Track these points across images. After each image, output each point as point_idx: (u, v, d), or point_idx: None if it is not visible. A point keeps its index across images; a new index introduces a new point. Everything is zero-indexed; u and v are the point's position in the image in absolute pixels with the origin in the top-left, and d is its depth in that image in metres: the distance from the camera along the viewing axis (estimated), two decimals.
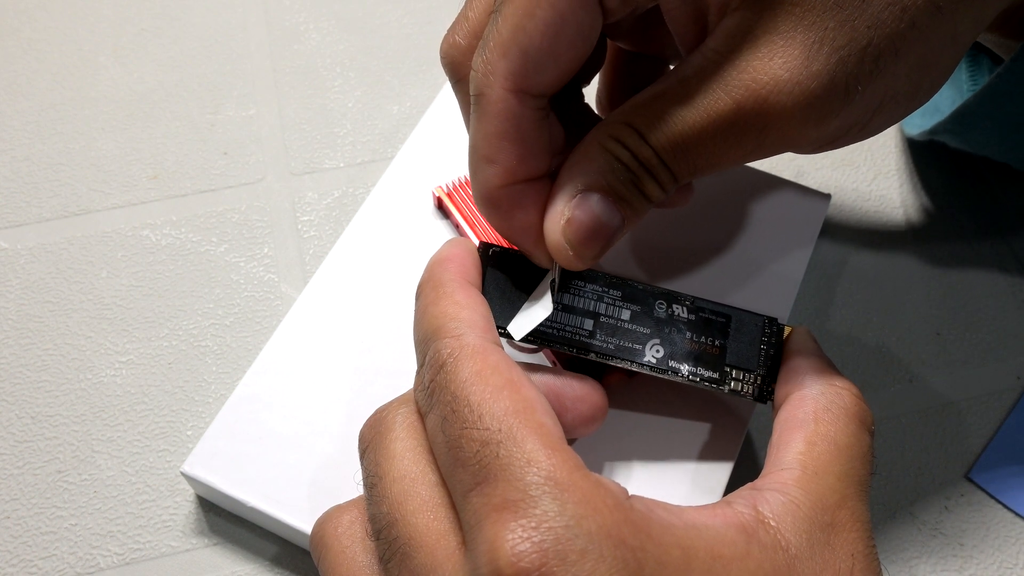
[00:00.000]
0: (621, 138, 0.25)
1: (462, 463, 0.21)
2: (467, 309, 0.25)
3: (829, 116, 0.24)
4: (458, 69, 0.27)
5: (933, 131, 0.36)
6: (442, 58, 0.28)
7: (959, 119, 0.35)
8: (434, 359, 0.23)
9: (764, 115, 0.23)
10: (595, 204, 0.25)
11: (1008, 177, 0.41)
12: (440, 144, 0.38)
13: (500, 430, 0.21)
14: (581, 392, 0.27)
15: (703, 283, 0.34)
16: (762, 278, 0.34)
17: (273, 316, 0.37)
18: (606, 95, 0.32)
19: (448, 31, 0.27)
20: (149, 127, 0.42)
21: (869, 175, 0.42)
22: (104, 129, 0.42)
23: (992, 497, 0.33)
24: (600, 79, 0.32)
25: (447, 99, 0.39)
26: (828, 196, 0.36)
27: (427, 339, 0.24)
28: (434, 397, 0.23)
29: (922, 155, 0.42)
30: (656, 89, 0.25)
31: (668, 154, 0.24)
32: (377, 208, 0.36)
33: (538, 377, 0.26)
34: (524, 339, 0.27)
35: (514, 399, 0.22)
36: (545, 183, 0.26)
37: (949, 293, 0.38)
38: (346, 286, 0.34)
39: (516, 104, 0.24)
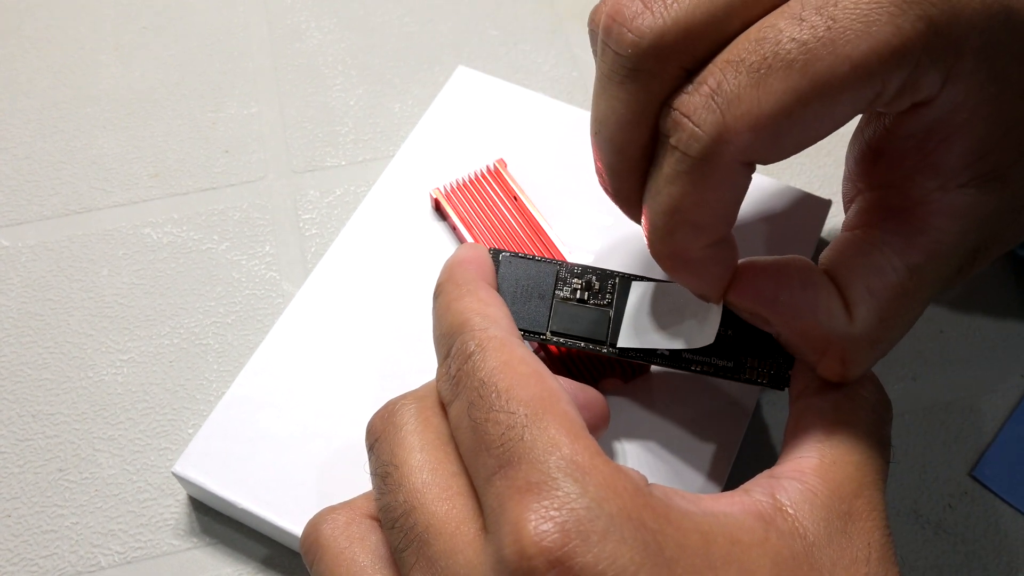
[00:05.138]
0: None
1: (486, 446, 0.21)
2: (491, 306, 0.25)
3: None
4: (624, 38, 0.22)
5: None
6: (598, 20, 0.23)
7: None
8: (461, 350, 0.24)
9: None
10: None
11: None
12: (439, 145, 0.37)
13: (526, 415, 0.21)
14: (584, 400, 0.27)
15: None
16: None
17: (274, 314, 0.37)
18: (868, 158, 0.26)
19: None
20: (150, 125, 0.42)
21: None
22: (105, 127, 0.42)
23: (996, 495, 0.33)
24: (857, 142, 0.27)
25: (448, 98, 0.39)
26: (829, 201, 0.36)
27: (452, 333, 0.25)
28: (460, 385, 0.23)
29: None
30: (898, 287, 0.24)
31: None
32: (374, 209, 0.36)
33: None
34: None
35: (540, 387, 0.22)
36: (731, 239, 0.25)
37: (952, 291, 0.38)
38: (341, 288, 0.34)
39: (742, 175, 0.23)
